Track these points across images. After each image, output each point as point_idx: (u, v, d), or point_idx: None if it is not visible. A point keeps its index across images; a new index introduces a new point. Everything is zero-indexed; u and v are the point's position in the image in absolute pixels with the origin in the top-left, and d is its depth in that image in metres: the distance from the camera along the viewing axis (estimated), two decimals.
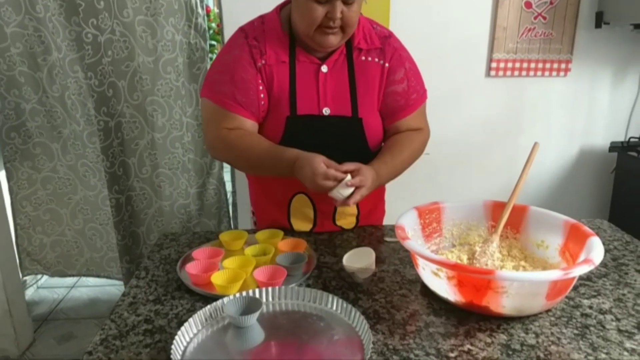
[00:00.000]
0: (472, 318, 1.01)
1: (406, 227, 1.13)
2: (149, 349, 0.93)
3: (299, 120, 1.33)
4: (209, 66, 2.22)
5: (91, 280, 2.91)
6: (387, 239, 1.41)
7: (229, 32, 2.24)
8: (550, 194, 2.66)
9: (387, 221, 1.62)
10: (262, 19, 1.37)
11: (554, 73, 2.46)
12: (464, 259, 1.18)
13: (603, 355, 0.90)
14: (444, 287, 1.02)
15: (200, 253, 1.25)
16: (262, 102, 1.33)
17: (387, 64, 1.38)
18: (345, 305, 0.99)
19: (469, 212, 1.29)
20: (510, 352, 0.91)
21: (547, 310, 1.04)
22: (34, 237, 2.57)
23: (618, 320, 1.01)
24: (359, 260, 1.21)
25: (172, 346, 0.86)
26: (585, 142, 2.62)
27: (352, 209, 1.48)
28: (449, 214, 1.27)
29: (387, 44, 1.39)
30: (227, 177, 2.50)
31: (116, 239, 2.38)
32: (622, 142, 2.57)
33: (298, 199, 1.43)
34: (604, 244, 1.05)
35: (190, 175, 2.39)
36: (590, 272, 1.17)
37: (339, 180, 1.19)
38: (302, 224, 1.47)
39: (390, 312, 1.04)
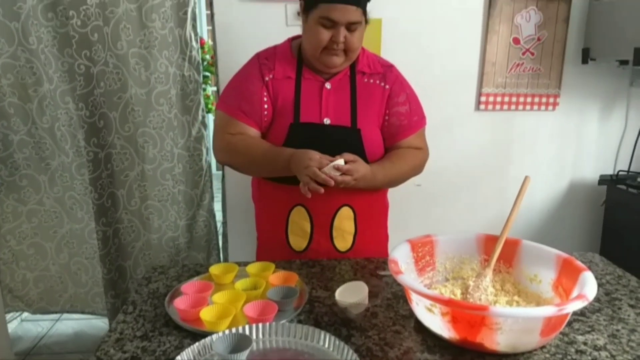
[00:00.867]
0: (466, 355, 0.99)
1: (399, 261, 1.12)
2: None
3: (300, 127, 1.44)
4: (202, 98, 2.25)
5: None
6: (380, 272, 1.40)
7: (222, 63, 2.26)
8: (541, 227, 2.66)
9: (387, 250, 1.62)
10: (275, 46, 1.55)
11: (543, 107, 2.50)
12: (458, 294, 1.17)
13: None
14: (437, 323, 1.01)
15: (190, 287, 1.22)
16: (266, 112, 1.47)
17: (387, 86, 1.52)
18: (337, 342, 0.97)
19: (461, 245, 1.28)
20: None
21: (542, 347, 1.03)
22: (17, 273, 2.48)
23: (613, 357, 1.00)
24: (351, 294, 1.19)
25: None
26: (575, 176, 2.64)
27: (350, 227, 1.52)
28: (442, 247, 1.27)
29: (389, 71, 1.54)
30: (217, 206, 2.47)
31: (102, 272, 2.33)
32: (611, 176, 2.59)
33: (297, 212, 1.50)
34: (596, 278, 1.05)
35: (180, 207, 2.36)
36: (584, 307, 1.15)
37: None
38: (298, 240, 1.52)
39: (383, 349, 1.02)
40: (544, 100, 2.48)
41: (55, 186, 2.36)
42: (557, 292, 1.13)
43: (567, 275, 1.11)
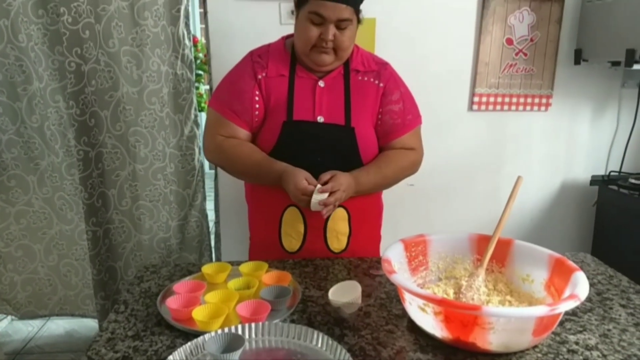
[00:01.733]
0: (459, 355, 0.99)
1: (392, 260, 1.12)
2: None
3: (294, 125, 1.43)
4: (194, 97, 2.23)
5: None
6: (374, 272, 1.39)
7: (215, 62, 2.25)
8: (533, 227, 2.68)
9: (380, 252, 1.62)
10: (269, 44, 1.53)
11: (535, 108, 2.51)
12: (451, 294, 1.17)
13: None
14: (430, 322, 1.01)
15: (182, 286, 1.22)
16: (257, 112, 1.45)
17: (381, 84, 1.50)
18: (330, 342, 0.97)
19: (454, 245, 1.28)
20: None
21: (534, 347, 1.03)
22: (4, 275, 2.43)
23: (604, 356, 1.00)
24: (344, 294, 1.19)
25: None
26: (567, 176, 2.66)
27: (344, 228, 1.52)
28: (435, 247, 1.27)
29: (383, 69, 1.53)
30: (210, 205, 2.45)
31: (92, 273, 2.29)
32: (602, 176, 2.61)
33: (290, 212, 1.48)
34: (588, 278, 1.06)
35: (172, 208, 2.33)
36: (576, 307, 1.16)
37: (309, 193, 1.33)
38: (292, 241, 1.51)
39: (376, 348, 1.02)
40: (536, 100, 2.49)
41: (44, 187, 2.32)
42: (549, 292, 1.13)
43: (559, 275, 1.12)
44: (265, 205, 1.54)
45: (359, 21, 1.41)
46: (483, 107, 2.47)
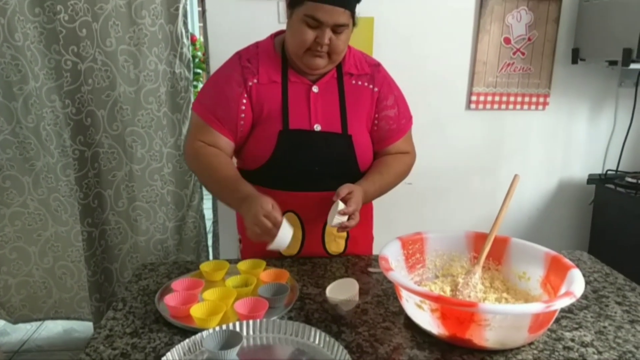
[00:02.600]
0: (455, 352, 1.00)
1: (390, 258, 1.13)
2: None
3: (290, 135, 1.38)
4: (192, 96, 2.22)
5: None
6: (371, 269, 1.40)
7: (214, 60, 2.24)
8: (530, 225, 2.69)
9: (373, 251, 1.62)
10: (257, 44, 1.46)
11: (533, 107, 2.51)
12: (447, 291, 1.18)
13: None
14: (427, 319, 1.01)
15: (180, 284, 1.22)
16: (242, 122, 1.39)
17: (376, 89, 1.46)
18: (328, 338, 0.97)
19: (451, 243, 1.29)
20: None
21: (530, 344, 1.04)
22: None
23: (600, 353, 1.01)
24: (342, 291, 1.20)
25: None
26: (564, 175, 2.67)
27: (342, 233, 1.49)
28: (432, 244, 1.28)
29: (376, 72, 1.48)
30: (208, 204, 2.44)
31: (86, 275, 2.27)
32: (599, 175, 2.62)
33: (288, 218, 1.39)
34: (584, 275, 1.06)
35: (169, 209, 2.31)
36: (572, 304, 1.17)
37: (277, 224, 1.20)
38: (289, 247, 1.43)
39: (373, 345, 1.02)
40: (534, 100, 2.50)
41: (39, 188, 2.30)
42: (546, 290, 1.14)
43: (555, 273, 1.12)
44: None
45: (354, 24, 1.35)
46: (481, 106, 2.48)
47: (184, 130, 2.23)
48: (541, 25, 2.40)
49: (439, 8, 2.35)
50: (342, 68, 1.43)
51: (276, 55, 1.41)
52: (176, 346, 0.94)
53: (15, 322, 2.51)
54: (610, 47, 2.22)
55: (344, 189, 1.30)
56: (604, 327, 1.11)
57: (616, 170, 2.59)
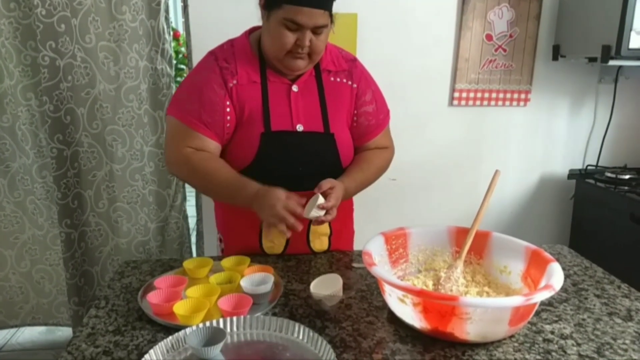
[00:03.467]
0: (437, 345, 1.01)
1: (373, 253, 1.14)
2: None
3: (273, 136, 1.36)
4: (174, 92, 2.19)
5: None
6: (355, 264, 1.41)
7: (197, 56, 2.22)
8: (511, 220, 2.72)
9: (355, 246, 1.63)
10: (231, 42, 1.42)
11: (514, 103, 2.54)
12: (430, 285, 1.19)
13: None
14: (409, 313, 1.02)
15: (163, 281, 1.22)
16: (228, 125, 1.36)
17: (355, 85, 1.46)
18: (311, 334, 0.98)
19: (433, 237, 1.30)
20: None
21: (511, 336, 1.05)
22: None
23: (579, 345, 1.03)
24: (326, 287, 1.20)
25: None
26: (545, 170, 2.70)
27: (325, 229, 1.50)
28: (415, 239, 1.29)
29: (353, 67, 1.48)
30: (192, 201, 2.42)
31: (65, 277, 2.20)
32: (580, 170, 2.66)
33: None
34: (564, 269, 1.08)
35: (151, 209, 2.26)
36: (552, 297, 1.19)
37: (297, 215, 1.25)
38: (274, 247, 1.47)
39: (357, 340, 1.03)
40: (515, 96, 2.53)
41: (15, 190, 2.24)
42: (526, 283, 1.16)
43: (535, 267, 1.14)
44: (243, 210, 1.39)
45: (332, 22, 1.33)
46: (463, 102, 2.50)
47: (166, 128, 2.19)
48: (522, 22, 2.43)
49: (422, 5, 2.37)
50: (319, 65, 1.42)
51: (253, 55, 1.38)
52: (159, 343, 0.94)
53: None
54: (589, 44, 2.25)
55: (326, 183, 1.30)
56: (583, 319, 1.13)
57: (596, 166, 2.64)
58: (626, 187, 2.34)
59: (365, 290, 1.25)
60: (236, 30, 1.54)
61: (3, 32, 1.99)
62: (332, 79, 1.44)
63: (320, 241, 1.51)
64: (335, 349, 0.97)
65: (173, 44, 2.20)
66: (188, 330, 0.96)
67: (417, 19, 2.38)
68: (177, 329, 1.02)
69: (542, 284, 1.05)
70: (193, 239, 2.48)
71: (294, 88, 1.39)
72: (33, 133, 2.12)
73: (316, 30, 1.27)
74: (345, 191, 1.35)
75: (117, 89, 2.11)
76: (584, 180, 2.55)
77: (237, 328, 1.02)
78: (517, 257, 1.19)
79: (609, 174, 2.47)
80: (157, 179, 2.24)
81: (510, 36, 2.44)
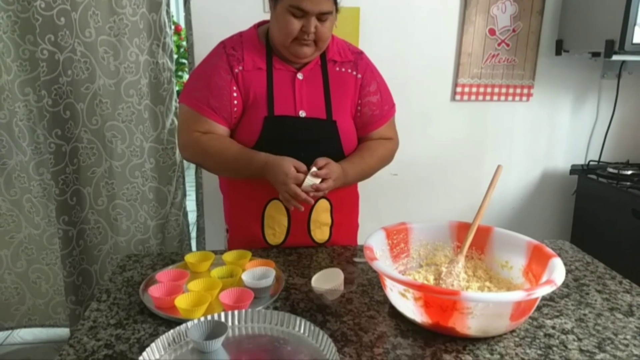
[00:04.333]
0: (438, 339, 1.01)
1: (374, 248, 1.14)
2: None
3: (275, 121, 1.40)
4: (175, 87, 2.18)
5: None
6: (356, 259, 1.41)
7: (198, 50, 2.21)
8: (513, 215, 2.72)
9: (358, 240, 1.63)
10: (240, 33, 1.48)
11: (517, 98, 2.53)
12: (431, 280, 1.19)
13: None
14: (411, 308, 1.02)
15: (164, 275, 1.22)
16: (235, 109, 1.41)
17: (359, 75, 1.48)
18: (313, 328, 0.98)
19: (435, 232, 1.30)
20: None
21: (512, 331, 1.05)
22: None
23: (580, 340, 1.03)
24: (327, 281, 1.20)
25: None
26: (547, 165, 2.70)
27: (326, 219, 1.52)
28: (416, 234, 1.29)
29: (359, 59, 1.51)
30: (192, 195, 2.41)
31: (62, 275, 2.18)
32: (582, 165, 2.65)
33: (272, 206, 1.46)
34: (565, 264, 1.08)
35: (151, 207, 2.23)
36: (553, 292, 1.19)
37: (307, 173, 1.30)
38: (276, 234, 1.49)
39: (358, 334, 1.03)
40: (518, 91, 2.52)
41: (12, 188, 2.20)
42: (527, 278, 1.16)
43: (537, 262, 1.14)
44: (246, 199, 1.50)
45: (336, 10, 1.38)
46: (465, 97, 2.49)
47: (168, 124, 2.18)
48: (525, 16, 2.42)
49: None
50: (325, 55, 1.46)
51: (260, 44, 1.43)
52: (161, 337, 0.94)
53: None
54: (593, 38, 2.24)
55: (322, 160, 1.33)
56: (584, 314, 1.13)
57: (598, 161, 2.63)
58: (628, 183, 2.33)
59: (366, 285, 1.25)
60: (238, 23, 1.55)
61: (1, 26, 1.97)
62: (337, 69, 1.47)
63: (321, 231, 1.52)
64: (336, 343, 0.97)
65: (174, 38, 2.19)
66: (189, 323, 0.97)
67: (419, 13, 2.37)
68: (179, 322, 1.02)
69: (544, 279, 1.05)
70: (193, 233, 2.47)
71: (299, 76, 1.43)
72: (30, 129, 2.10)
73: (321, 17, 1.32)
74: (343, 172, 1.38)
75: (117, 84, 2.09)
76: (586, 175, 2.54)
77: (239, 322, 1.02)
78: (519, 252, 1.19)
79: (611, 170, 2.46)
80: (157, 176, 2.22)
81: (514, 31, 2.43)
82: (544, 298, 1.18)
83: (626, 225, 2.24)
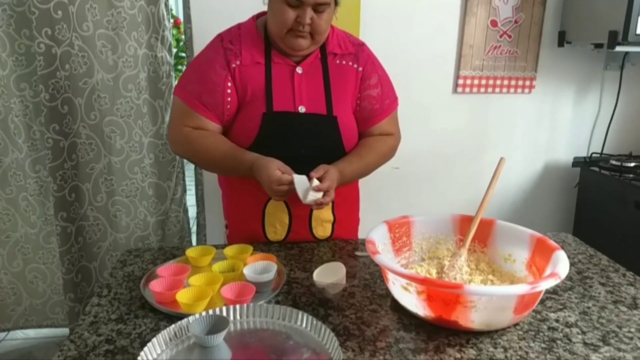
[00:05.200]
0: (441, 333, 1.01)
1: (376, 241, 1.13)
2: None
3: (275, 116, 1.36)
4: (174, 81, 2.15)
5: None
6: (358, 253, 1.40)
7: (198, 44, 2.19)
8: (516, 208, 2.71)
9: (360, 234, 1.62)
10: (238, 25, 1.44)
11: (519, 90, 2.52)
12: (433, 273, 1.19)
13: None
14: (413, 301, 1.02)
15: (165, 270, 1.21)
16: (229, 106, 1.37)
17: (360, 68, 1.44)
18: (315, 322, 0.97)
19: (437, 226, 1.29)
20: None
21: (515, 324, 1.04)
22: None
23: (584, 333, 1.02)
24: (329, 275, 1.20)
25: None
26: (549, 158, 2.69)
27: (328, 216, 1.50)
28: (419, 227, 1.28)
29: (360, 51, 1.46)
30: (192, 190, 2.39)
31: (61, 271, 2.16)
32: (584, 158, 2.64)
33: (273, 203, 1.44)
34: (568, 257, 1.07)
35: (150, 203, 2.22)
36: (556, 285, 1.18)
37: (291, 183, 1.27)
38: (276, 231, 1.47)
39: (360, 328, 1.03)
40: (520, 83, 2.51)
41: (7, 186, 2.18)
42: (531, 271, 1.15)
43: (540, 255, 1.13)
44: (246, 196, 1.47)
45: (336, 3, 1.33)
46: (467, 89, 2.48)
47: (167, 118, 2.16)
48: (528, 7, 2.40)
49: None
50: (325, 48, 1.42)
51: (259, 37, 1.39)
52: (162, 332, 0.93)
53: None
54: (596, 29, 2.22)
55: (320, 169, 1.31)
56: (588, 307, 1.13)
57: (601, 153, 2.62)
58: (631, 175, 2.32)
59: (368, 279, 1.24)
60: (238, 16, 1.53)
61: None
62: (337, 61, 1.43)
63: (323, 228, 1.50)
64: (338, 337, 0.96)
65: (173, 32, 2.18)
66: (191, 318, 0.96)
67: (421, 4, 2.35)
68: (180, 317, 1.01)
69: (548, 272, 1.04)
70: (193, 229, 2.45)
71: (298, 70, 1.39)
72: (26, 125, 2.09)
73: (317, 8, 1.27)
74: (340, 174, 1.35)
75: (115, 79, 2.07)
76: (588, 168, 2.53)
77: (240, 316, 1.02)
78: (522, 245, 1.19)
79: (613, 162, 2.45)
80: (157, 171, 2.20)
81: (516, 22, 2.41)
82: (547, 291, 1.17)
83: (629, 218, 2.23)
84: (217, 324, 0.96)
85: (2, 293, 2.31)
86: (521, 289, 0.94)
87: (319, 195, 1.27)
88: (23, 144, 2.12)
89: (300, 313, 1.00)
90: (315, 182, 1.27)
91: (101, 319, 1.06)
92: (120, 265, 1.33)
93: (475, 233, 1.21)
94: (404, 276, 0.98)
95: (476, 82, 2.47)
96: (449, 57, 2.45)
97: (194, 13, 2.19)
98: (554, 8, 2.44)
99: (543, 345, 0.98)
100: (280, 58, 1.39)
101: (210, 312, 0.98)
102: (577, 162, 2.63)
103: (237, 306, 1.02)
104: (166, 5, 2.08)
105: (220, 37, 1.41)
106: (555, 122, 2.63)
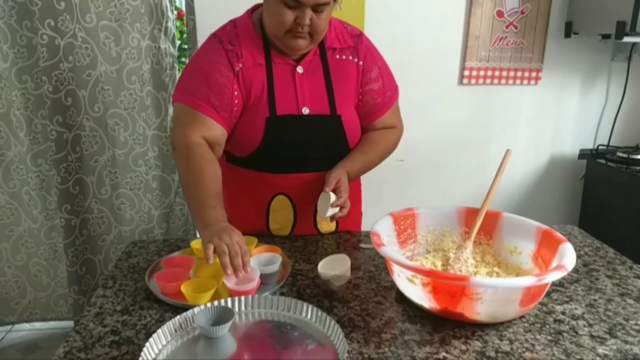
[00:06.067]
0: (447, 325, 1.00)
1: (381, 234, 1.12)
2: None
3: (279, 121, 1.33)
4: (177, 73, 2.14)
5: None
6: (363, 245, 1.40)
7: (201, 36, 2.18)
8: (521, 200, 2.70)
9: (363, 227, 1.62)
10: (233, 23, 1.37)
11: (525, 81, 2.50)
12: (439, 265, 1.18)
13: None
14: (419, 293, 1.01)
15: (170, 261, 1.21)
16: (236, 109, 1.32)
17: (361, 62, 1.41)
18: (320, 313, 0.97)
19: (443, 218, 1.29)
20: (485, 359, 0.90)
21: (521, 317, 1.04)
22: None
23: (590, 325, 1.02)
24: (334, 267, 1.19)
25: (140, 358, 0.83)
26: (555, 150, 2.67)
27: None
28: (424, 220, 1.27)
29: (359, 42, 1.42)
30: None
31: (65, 264, 2.16)
32: (590, 150, 2.62)
33: (278, 201, 1.42)
34: (575, 250, 1.06)
35: (155, 196, 2.21)
36: (563, 278, 1.17)
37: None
38: (281, 228, 1.46)
39: (365, 319, 1.03)
40: (526, 74, 2.49)
41: (10, 180, 2.18)
42: (537, 264, 1.14)
43: (546, 247, 1.12)
44: (250, 193, 1.43)
45: (335, 0, 1.27)
46: (473, 80, 2.46)
47: (170, 110, 2.15)
48: None
49: None
50: (324, 43, 1.37)
51: (257, 35, 1.33)
52: (167, 323, 0.93)
53: None
54: (603, 20, 2.20)
55: (332, 179, 1.28)
56: (595, 300, 1.12)
57: (607, 145, 2.60)
58: (638, 168, 2.31)
59: (373, 271, 1.24)
60: (241, 8, 1.50)
61: None
62: (337, 56, 1.39)
63: (327, 223, 1.49)
64: (343, 328, 0.96)
65: (177, 24, 2.16)
66: (196, 309, 0.96)
67: None
68: (185, 308, 1.01)
69: (554, 264, 1.04)
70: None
71: (299, 69, 1.35)
72: (28, 118, 2.08)
73: (317, 8, 1.21)
74: (348, 176, 1.34)
75: (118, 71, 2.06)
76: (594, 160, 2.52)
77: (245, 307, 1.02)
78: (528, 237, 1.18)
79: (620, 154, 2.43)
80: (161, 164, 2.20)
81: (522, 12, 2.39)
82: (553, 284, 1.17)
83: (636, 210, 2.22)
84: (222, 315, 0.96)
85: (6, 286, 2.32)
86: (527, 281, 0.93)
87: (337, 209, 1.28)
88: (25, 138, 2.12)
89: (305, 305, 1.00)
90: (333, 197, 1.26)
91: (106, 310, 1.07)
92: (125, 256, 1.33)
93: (480, 225, 1.20)
94: (410, 268, 0.97)
95: (482, 73, 2.45)
96: (454, 48, 2.43)
97: (197, 4, 2.18)
98: None
99: (549, 337, 0.97)
100: (280, 57, 1.34)
101: (216, 303, 0.98)
102: (583, 154, 2.61)
103: (242, 297, 1.02)
104: None
105: (218, 38, 1.33)
106: (561, 114, 2.61)
